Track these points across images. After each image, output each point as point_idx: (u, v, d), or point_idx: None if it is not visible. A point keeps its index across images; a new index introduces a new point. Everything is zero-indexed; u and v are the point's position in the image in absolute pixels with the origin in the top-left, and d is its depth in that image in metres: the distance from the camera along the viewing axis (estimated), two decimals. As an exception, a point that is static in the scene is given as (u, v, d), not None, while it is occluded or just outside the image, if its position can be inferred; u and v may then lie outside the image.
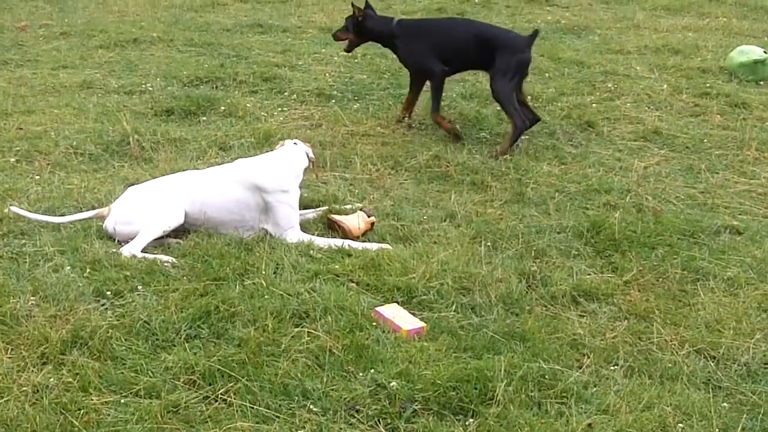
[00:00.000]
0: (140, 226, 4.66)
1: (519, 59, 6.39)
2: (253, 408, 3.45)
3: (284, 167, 4.99)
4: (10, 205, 4.93)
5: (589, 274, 4.57)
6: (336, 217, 5.02)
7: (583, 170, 5.97)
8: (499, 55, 6.37)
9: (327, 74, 8.03)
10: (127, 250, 4.55)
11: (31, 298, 4.08)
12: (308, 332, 3.90)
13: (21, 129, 6.38)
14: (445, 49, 6.58)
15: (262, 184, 4.86)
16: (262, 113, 6.89)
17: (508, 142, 6.26)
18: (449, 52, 6.59)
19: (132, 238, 4.63)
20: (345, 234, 4.90)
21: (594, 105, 7.27)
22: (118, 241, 4.69)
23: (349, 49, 7.04)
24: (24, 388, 3.48)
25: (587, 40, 9.61)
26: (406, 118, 6.83)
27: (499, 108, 6.84)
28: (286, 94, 7.48)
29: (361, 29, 6.80)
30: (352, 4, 6.89)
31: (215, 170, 5.11)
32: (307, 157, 5.17)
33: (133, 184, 5.15)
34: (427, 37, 6.66)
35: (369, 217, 5.05)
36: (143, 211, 4.73)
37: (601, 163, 6.11)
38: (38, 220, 4.84)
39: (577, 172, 5.94)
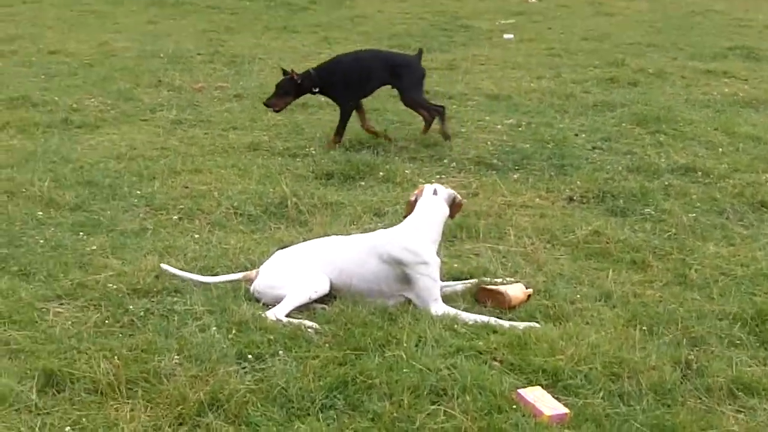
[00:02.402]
0: (286, 291, 4.70)
1: (421, 73, 8.13)
2: (382, 486, 3.37)
3: (423, 235, 4.90)
4: (162, 264, 5.07)
5: (750, 366, 4.25)
6: (495, 286, 4.92)
7: (753, 252, 5.62)
8: (405, 73, 8.01)
9: (489, 142, 7.98)
10: (272, 314, 4.58)
11: (176, 357, 4.15)
12: (444, 411, 3.78)
13: (187, 188, 6.62)
14: (359, 79, 7.94)
15: (400, 258, 4.81)
16: (420, 180, 6.87)
17: (442, 126, 7.98)
18: (363, 80, 7.98)
19: (277, 302, 4.66)
20: (500, 303, 4.80)
21: (769, 183, 6.89)
22: (264, 303, 4.74)
23: (281, 110, 7.97)
24: (158, 448, 3.53)
25: (765, 114, 9.18)
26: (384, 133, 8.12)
27: (667, 183, 6.80)
28: (445, 161, 7.46)
29: (298, 88, 7.81)
30: (283, 69, 8.00)
31: (359, 238, 5.10)
32: (454, 201, 5.09)
33: (282, 247, 5.22)
34: (341, 74, 7.91)
35: (527, 288, 4.95)
36: (289, 275, 4.77)
37: (773, 246, 5.75)
38: (188, 279, 4.95)
39: (746, 254, 5.60)
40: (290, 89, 7.81)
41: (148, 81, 10.30)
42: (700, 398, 4.01)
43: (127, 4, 16.52)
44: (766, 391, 4.06)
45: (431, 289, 4.78)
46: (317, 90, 7.91)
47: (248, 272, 4.96)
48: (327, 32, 14.35)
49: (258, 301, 4.78)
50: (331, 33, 14.28)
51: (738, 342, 4.50)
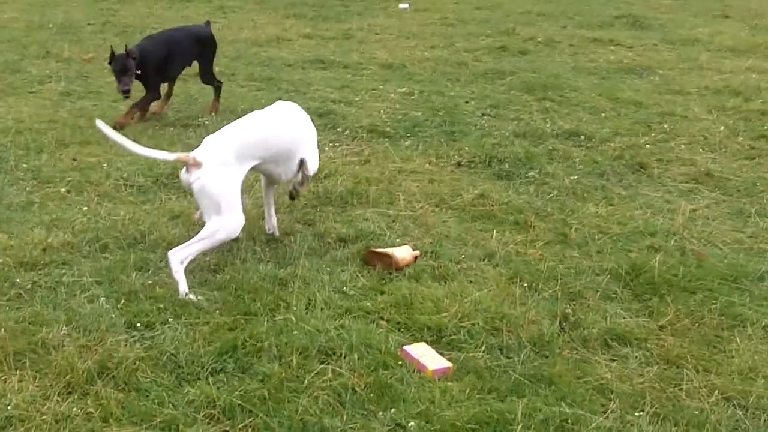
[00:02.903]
0: (213, 216, 4.65)
1: (215, 47, 8.17)
2: (270, 443, 3.46)
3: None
4: (97, 120, 4.83)
5: (623, 318, 4.48)
6: (383, 249, 5.04)
7: (630, 212, 5.87)
8: (210, 49, 8.07)
9: (382, 111, 8.09)
10: (175, 257, 4.58)
11: (64, 327, 4.15)
12: (332, 369, 3.89)
13: (75, 160, 6.54)
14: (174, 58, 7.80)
15: None
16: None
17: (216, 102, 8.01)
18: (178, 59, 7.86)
19: (210, 207, 4.65)
20: (387, 265, 4.91)
21: (648, 146, 7.18)
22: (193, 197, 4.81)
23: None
24: (45, 417, 3.53)
25: (648, 80, 9.52)
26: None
27: (551, 148, 7.06)
28: (339, 129, 7.54)
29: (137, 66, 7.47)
30: (118, 50, 7.46)
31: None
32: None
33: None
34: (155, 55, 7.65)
35: (414, 250, 5.08)
36: (224, 204, 4.68)
37: (649, 205, 6.01)
38: (120, 143, 4.68)
39: (623, 213, 5.85)
40: (132, 67, 7.41)
41: (35, 52, 10.12)
42: (576, 349, 4.21)
43: (14, -26, 16.07)
44: (638, 341, 4.28)
45: None
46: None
47: (185, 155, 4.71)
48: (222, 1, 14.23)
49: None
50: (225, 2, 14.18)
51: (613, 296, 4.73)
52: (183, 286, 4.54)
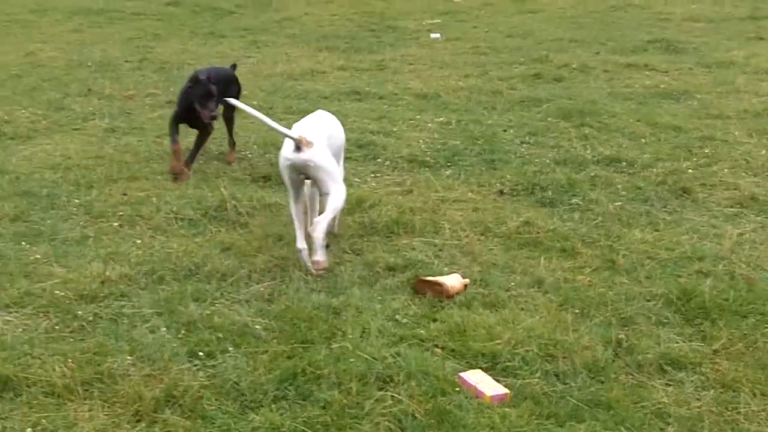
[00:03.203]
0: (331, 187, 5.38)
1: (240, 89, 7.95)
2: (334, 470, 3.53)
3: None
4: (228, 98, 6.21)
5: (677, 343, 4.51)
6: (433, 277, 5.11)
7: (677, 237, 5.90)
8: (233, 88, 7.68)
9: (421, 140, 8.17)
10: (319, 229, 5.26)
11: (128, 358, 4.25)
12: (391, 396, 3.95)
13: (125, 195, 6.67)
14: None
15: None
16: (356, 179, 7.03)
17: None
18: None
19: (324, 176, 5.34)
20: (438, 293, 4.97)
21: (690, 171, 7.20)
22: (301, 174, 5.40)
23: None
24: (117, 445, 3.63)
25: (685, 105, 9.54)
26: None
27: (593, 174, 7.10)
28: (379, 160, 7.63)
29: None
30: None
31: None
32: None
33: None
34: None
35: (464, 278, 5.15)
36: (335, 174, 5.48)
37: (695, 230, 6.03)
38: (253, 114, 5.66)
39: (670, 239, 5.87)
40: (215, 92, 7.12)
41: (77, 90, 10.28)
42: (632, 374, 4.25)
43: (51, 14, 16.40)
44: (692, 365, 4.31)
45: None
46: None
47: (302, 135, 5.32)
48: (255, 36, 14.44)
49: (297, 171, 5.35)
50: (258, 36, 14.37)
51: (665, 321, 4.76)
52: (324, 256, 5.24)
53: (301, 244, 5.39)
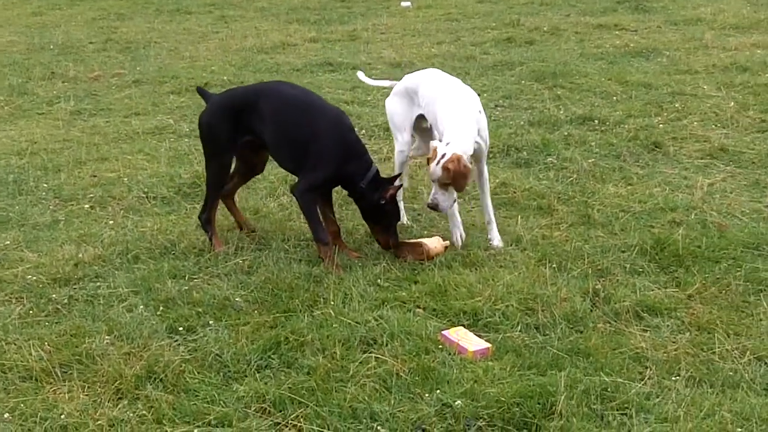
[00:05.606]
0: None
1: None
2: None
3: None
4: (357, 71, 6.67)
5: (652, 290, 4.59)
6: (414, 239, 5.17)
7: (649, 190, 5.98)
8: None
9: (395, 109, 8.15)
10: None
11: (106, 337, 4.24)
12: (375, 357, 4.00)
13: (95, 176, 6.63)
14: None
15: None
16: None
17: None
18: None
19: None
20: (419, 254, 5.03)
21: (661, 125, 7.27)
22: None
23: None
24: (99, 422, 3.63)
25: (655, 62, 9.60)
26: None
27: (566, 133, 7.15)
28: (356, 128, 7.60)
29: None
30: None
31: None
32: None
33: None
34: None
35: (445, 241, 5.20)
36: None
37: (667, 182, 6.11)
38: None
39: (643, 192, 5.95)
40: None
41: (40, 74, 10.15)
42: (609, 322, 4.32)
43: (6, -4, 16.19)
44: (668, 310, 4.40)
45: None
46: None
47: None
48: (222, 10, 14.35)
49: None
50: (226, 11, 14.28)
51: (640, 270, 4.84)
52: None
53: None
